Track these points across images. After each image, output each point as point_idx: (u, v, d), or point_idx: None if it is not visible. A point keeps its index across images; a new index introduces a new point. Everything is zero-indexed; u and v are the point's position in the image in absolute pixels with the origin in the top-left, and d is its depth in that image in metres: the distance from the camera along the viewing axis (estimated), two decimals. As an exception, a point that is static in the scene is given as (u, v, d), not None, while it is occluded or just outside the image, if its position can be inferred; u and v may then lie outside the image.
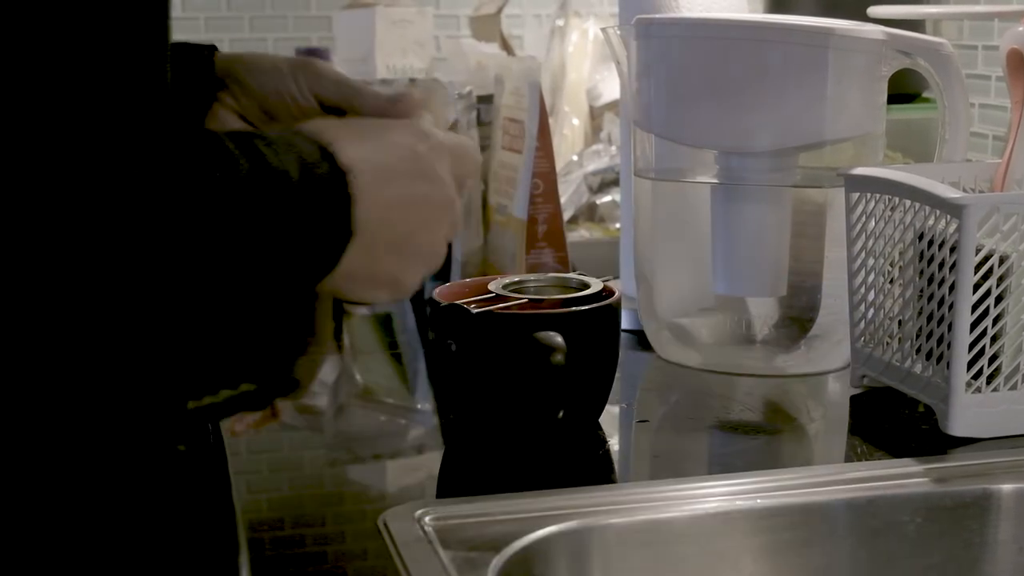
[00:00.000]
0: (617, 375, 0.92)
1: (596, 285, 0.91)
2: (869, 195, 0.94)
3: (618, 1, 1.16)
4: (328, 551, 0.76)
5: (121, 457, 0.60)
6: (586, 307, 0.87)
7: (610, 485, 0.83)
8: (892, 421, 0.93)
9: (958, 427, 0.87)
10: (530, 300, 0.89)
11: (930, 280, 0.89)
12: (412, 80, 1.56)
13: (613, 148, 1.54)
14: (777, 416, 0.98)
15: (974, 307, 0.86)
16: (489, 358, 0.86)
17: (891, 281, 0.94)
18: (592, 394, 0.90)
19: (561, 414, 0.88)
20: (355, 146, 0.63)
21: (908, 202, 0.91)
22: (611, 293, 0.90)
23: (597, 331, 0.88)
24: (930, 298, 0.89)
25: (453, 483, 0.82)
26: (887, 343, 0.95)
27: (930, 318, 0.89)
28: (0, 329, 0.53)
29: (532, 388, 0.86)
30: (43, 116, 0.51)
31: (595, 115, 1.67)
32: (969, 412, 0.87)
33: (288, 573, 0.73)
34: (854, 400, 0.98)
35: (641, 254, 1.10)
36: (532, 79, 1.21)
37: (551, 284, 0.93)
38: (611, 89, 1.64)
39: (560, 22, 1.74)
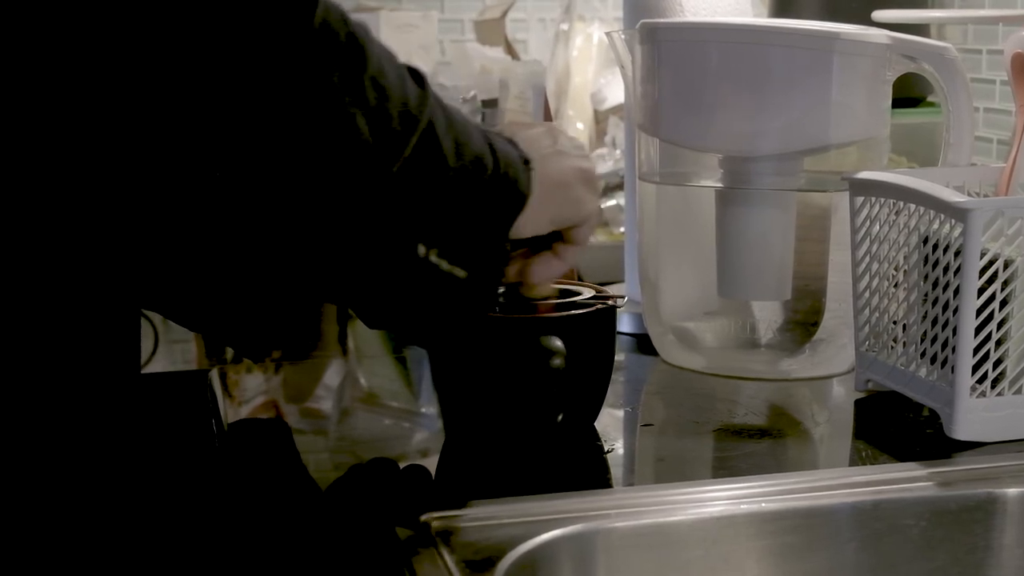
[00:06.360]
0: (621, 379, 0.92)
1: (586, 293, 0.91)
2: (873, 199, 0.95)
3: (623, 5, 1.17)
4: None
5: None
6: (585, 311, 0.87)
7: (614, 489, 0.83)
8: (897, 425, 0.93)
9: (963, 431, 0.88)
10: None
11: (935, 284, 0.89)
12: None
13: (617, 152, 1.54)
14: (781, 420, 0.98)
15: (979, 311, 0.86)
16: (489, 362, 0.86)
17: (895, 285, 0.94)
18: (589, 398, 0.90)
19: (560, 418, 0.87)
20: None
21: (912, 206, 0.91)
22: (606, 296, 0.90)
23: (595, 335, 0.88)
24: (935, 302, 0.89)
25: (457, 487, 0.82)
26: (891, 347, 0.95)
27: (935, 322, 0.89)
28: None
29: (531, 392, 0.86)
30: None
31: (599, 119, 1.67)
32: (974, 416, 0.87)
33: (293, 576, 0.73)
34: (858, 404, 0.98)
35: (645, 258, 1.10)
36: (537, 83, 1.21)
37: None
38: (615, 93, 1.64)
39: (564, 26, 1.73)
